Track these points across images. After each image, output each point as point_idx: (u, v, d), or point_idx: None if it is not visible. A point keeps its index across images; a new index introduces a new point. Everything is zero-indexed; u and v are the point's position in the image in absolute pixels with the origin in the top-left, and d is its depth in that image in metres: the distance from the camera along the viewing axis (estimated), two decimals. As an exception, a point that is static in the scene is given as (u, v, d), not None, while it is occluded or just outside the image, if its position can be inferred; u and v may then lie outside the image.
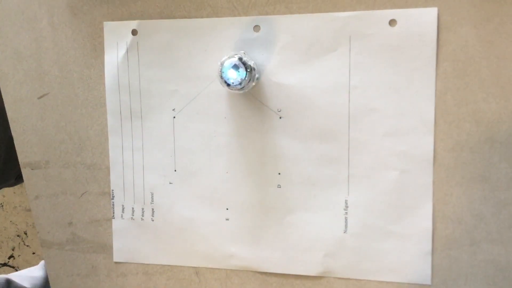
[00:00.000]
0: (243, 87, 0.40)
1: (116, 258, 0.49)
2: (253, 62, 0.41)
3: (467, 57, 0.39)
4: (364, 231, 0.42)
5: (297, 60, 0.42)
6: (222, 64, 0.40)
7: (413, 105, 0.40)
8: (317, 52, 0.41)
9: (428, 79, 0.40)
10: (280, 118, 0.43)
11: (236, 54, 0.41)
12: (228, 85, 0.40)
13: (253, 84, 0.42)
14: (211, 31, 0.43)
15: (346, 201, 0.42)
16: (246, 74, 0.40)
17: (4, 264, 1.52)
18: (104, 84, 0.46)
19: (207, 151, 0.45)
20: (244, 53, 0.42)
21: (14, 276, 0.66)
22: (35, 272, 0.68)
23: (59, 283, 0.51)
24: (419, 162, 0.41)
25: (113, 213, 0.48)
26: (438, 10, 0.39)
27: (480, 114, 0.39)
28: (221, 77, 0.40)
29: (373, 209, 0.42)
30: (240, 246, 0.45)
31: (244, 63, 0.40)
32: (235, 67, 0.40)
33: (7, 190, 1.49)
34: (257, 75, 0.41)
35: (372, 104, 0.41)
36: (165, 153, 0.46)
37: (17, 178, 0.68)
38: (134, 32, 0.45)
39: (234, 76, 0.40)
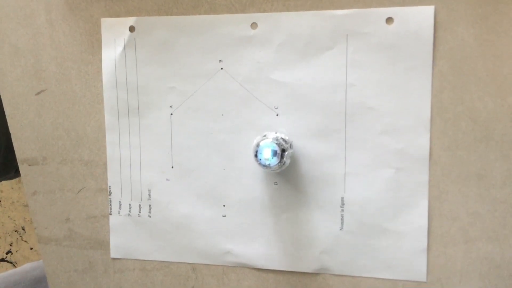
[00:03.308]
0: (270, 168, 0.41)
1: (113, 254, 0.49)
2: (289, 161, 0.41)
3: (464, 55, 0.39)
4: (360, 229, 0.43)
5: (294, 58, 0.42)
6: (264, 138, 0.41)
7: (410, 103, 0.40)
8: (314, 50, 0.41)
9: (424, 77, 0.40)
10: (277, 115, 0.43)
11: (287, 143, 0.41)
12: (256, 156, 0.41)
13: (278, 170, 0.42)
14: (209, 28, 0.43)
15: (342, 198, 0.43)
16: (277, 164, 0.40)
17: (2, 260, 1.52)
18: (101, 80, 0.46)
19: (205, 148, 0.45)
20: (291, 146, 0.42)
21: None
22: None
23: (56, 279, 0.51)
24: (415, 160, 0.41)
25: (110, 209, 0.48)
26: (435, 9, 0.39)
27: (476, 112, 0.40)
28: (257, 146, 0.40)
29: (369, 207, 0.42)
30: (236, 243, 0.46)
31: (282, 157, 0.40)
32: (274, 152, 0.40)
33: (5, 186, 1.49)
34: (286, 165, 0.42)
35: (368, 102, 0.41)
36: (162, 150, 0.46)
37: (17, 171, 0.68)
38: (131, 29, 0.45)
39: (267, 157, 0.40)
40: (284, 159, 0.40)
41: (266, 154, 0.40)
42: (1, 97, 0.49)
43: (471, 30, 0.39)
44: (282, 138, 0.41)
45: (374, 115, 0.41)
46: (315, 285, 0.45)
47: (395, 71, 0.40)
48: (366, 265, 0.43)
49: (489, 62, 0.39)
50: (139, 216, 0.48)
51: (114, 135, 0.47)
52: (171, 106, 0.45)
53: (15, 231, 1.51)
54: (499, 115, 0.39)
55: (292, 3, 0.42)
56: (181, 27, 0.44)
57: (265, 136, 0.41)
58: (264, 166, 0.40)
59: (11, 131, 0.49)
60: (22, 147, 0.50)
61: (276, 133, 0.43)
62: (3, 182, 1.48)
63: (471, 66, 0.39)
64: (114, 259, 0.49)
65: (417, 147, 0.41)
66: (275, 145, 0.40)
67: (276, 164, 0.40)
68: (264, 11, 0.42)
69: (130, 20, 0.45)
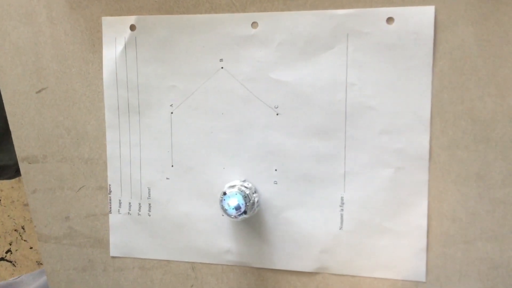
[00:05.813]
0: (236, 218, 0.42)
1: (112, 253, 0.49)
2: (257, 210, 0.43)
3: (464, 55, 0.39)
4: (359, 228, 0.43)
5: (295, 57, 0.42)
6: (230, 188, 0.42)
7: (410, 103, 0.40)
8: (315, 49, 0.41)
9: (424, 77, 0.40)
10: (277, 114, 0.43)
11: (256, 195, 0.43)
12: (222, 205, 0.42)
13: (240, 219, 0.43)
14: (209, 27, 0.43)
15: (342, 197, 0.43)
16: (241, 215, 0.41)
17: (2, 259, 1.52)
18: (102, 79, 0.47)
19: (204, 147, 0.45)
20: (257, 202, 0.43)
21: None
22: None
23: (55, 277, 0.51)
24: (415, 159, 0.41)
25: (110, 207, 0.48)
26: (435, 9, 0.39)
27: (476, 112, 0.40)
28: (224, 193, 0.42)
29: (368, 206, 0.42)
30: (236, 242, 0.46)
31: (245, 211, 0.41)
32: (237, 205, 0.41)
33: (5, 185, 1.49)
34: (251, 214, 0.42)
35: (369, 102, 0.41)
36: (162, 148, 0.46)
37: (17, 171, 0.68)
38: (132, 28, 0.45)
39: (233, 205, 0.41)
40: (249, 209, 0.41)
41: (232, 202, 0.41)
42: (2, 95, 0.49)
43: (471, 30, 0.39)
44: (246, 187, 0.42)
45: (374, 114, 0.41)
46: (314, 284, 0.45)
47: (395, 70, 0.40)
48: (366, 264, 0.43)
49: (489, 62, 0.39)
50: (139, 214, 0.48)
51: (114, 133, 0.47)
52: (171, 105, 0.45)
53: (15, 230, 1.51)
54: (499, 115, 0.39)
55: (293, 3, 0.42)
56: (181, 26, 0.44)
57: (231, 186, 0.42)
58: (229, 215, 0.41)
59: (11, 129, 0.50)
60: (22, 145, 0.50)
61: (244, 181, 0.44)
62: (3, 181, 1.48)
63: (471, 66, 0.39)
64: (113, 257, 0.49)
65: (417, 146, 0.41)
66: (240, 196, 0.41)
67: (241, 215, 0.41)
68: (265, 10, 0.42)
69: (131, 19, 0.45)
